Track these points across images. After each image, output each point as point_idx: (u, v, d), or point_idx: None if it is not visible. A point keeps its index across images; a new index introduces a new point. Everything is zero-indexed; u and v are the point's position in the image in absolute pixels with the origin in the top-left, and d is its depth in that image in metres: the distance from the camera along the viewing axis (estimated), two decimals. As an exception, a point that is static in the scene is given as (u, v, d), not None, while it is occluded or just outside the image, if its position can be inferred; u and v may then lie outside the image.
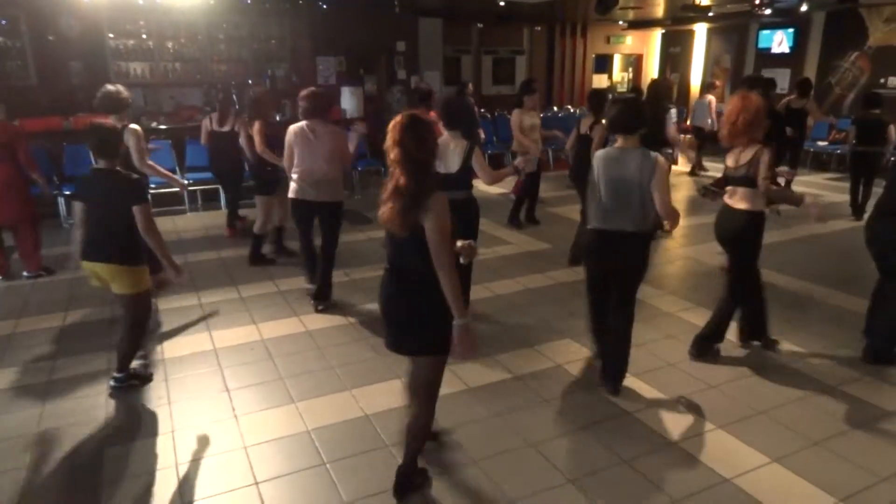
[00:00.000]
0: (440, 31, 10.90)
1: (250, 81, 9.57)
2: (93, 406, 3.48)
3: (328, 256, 4.81)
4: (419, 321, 2.48)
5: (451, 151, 4.02)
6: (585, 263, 3.68)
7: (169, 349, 4.17)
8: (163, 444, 3.13)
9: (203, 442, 3.15)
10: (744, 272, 3.88)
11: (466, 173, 4.04)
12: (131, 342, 3.61)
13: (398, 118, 2.36)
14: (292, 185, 4.66)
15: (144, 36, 9.31)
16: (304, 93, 4.62)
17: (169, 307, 4.85)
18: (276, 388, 3.66)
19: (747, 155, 3.63)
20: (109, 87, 4.86)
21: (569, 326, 4.45)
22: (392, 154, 2.33)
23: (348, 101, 9.16)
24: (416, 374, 2.60)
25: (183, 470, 2.93)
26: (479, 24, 12.58)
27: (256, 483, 2.82)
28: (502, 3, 9.69)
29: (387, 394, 3.54)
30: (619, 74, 15.50)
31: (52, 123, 7.75)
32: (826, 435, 3.16)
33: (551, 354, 4.07)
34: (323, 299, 4.81)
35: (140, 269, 3.51)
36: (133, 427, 3.28)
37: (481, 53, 13.15)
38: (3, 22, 8.41)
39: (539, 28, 13.21)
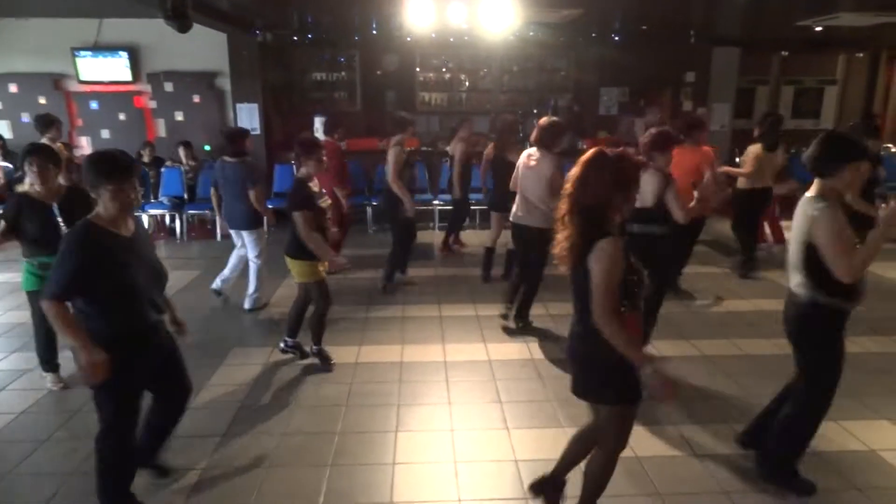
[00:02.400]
0: (736, 60, 10.13)
1: (535, 111, 10.02)
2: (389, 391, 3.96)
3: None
4: (589, 367, 2.38)
5: (644, 183, 3.75)
6: None
7: (449, 353, 4.55)
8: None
9: (478, 446, 3.34)
10: None
11: (660, 208, 3.84)
12: (314, 322, 4.32)
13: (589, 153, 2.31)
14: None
15: (444, 69, 10.41)
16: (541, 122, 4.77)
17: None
18: (543, 410, 3.73)
19: None
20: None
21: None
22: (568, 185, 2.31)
23: (633, 131, 9.09)
24: (593, 424, 2.52)
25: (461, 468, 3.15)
26: (783, 53, 11.39)
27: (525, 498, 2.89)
28: (818, 29, 8.64)
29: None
30: (967, 108, 12.63)
31: (370, 144, 9.08)
32: None
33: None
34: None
35: (306, 262, 4.08)
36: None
37: (781, 83, 11.88)
38: (342, 60, 10.15)
39: (861, 54, 11.47)
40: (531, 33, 8.92)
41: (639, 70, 9.70)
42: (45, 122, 6.52)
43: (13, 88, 9.22)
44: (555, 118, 4.93)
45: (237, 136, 5.34)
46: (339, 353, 4.47)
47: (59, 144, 6.46)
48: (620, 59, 9.79)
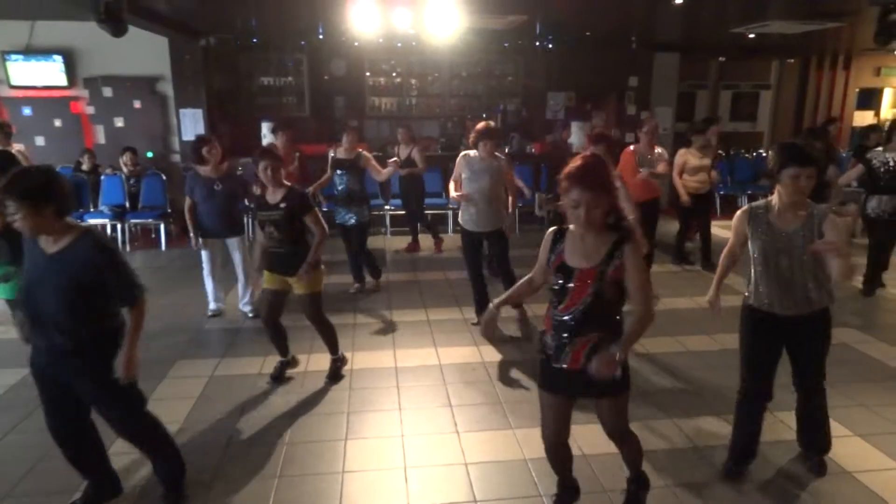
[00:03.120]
0: (677, 65, 10.47)
1: (484, 115, 10.11)
2: (339, 399, 3.92)
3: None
4: None
5: None
6: None
7: (400, 359, 4.55)
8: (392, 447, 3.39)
9: (428, 451, 3.35)
10: None
11: None
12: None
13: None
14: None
15: (394, 74, 10.40)
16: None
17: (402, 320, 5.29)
18: (495, 412, 3.76)
19: None
20: None
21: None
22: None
23: (576, 135, 9.28)
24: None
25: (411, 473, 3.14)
26: (720, 59, 11.85)
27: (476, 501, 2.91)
28: (752, 36, 9.02)
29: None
30: (890, 111, 13.40)
31: (319, 150, 8.98)
32: None
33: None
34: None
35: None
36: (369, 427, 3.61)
37: (720, 88, 12.36)
38: (291, 63, 10.02)
39: (792, 60, 12.02)
40: (478, 38, 9.02)
41: (584, 75, 9.92)
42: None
43: (-64, 94, 8.74)
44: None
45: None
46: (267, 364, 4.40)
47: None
48: (566, 65, 10.00)
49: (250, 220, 7.06)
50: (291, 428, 3.62)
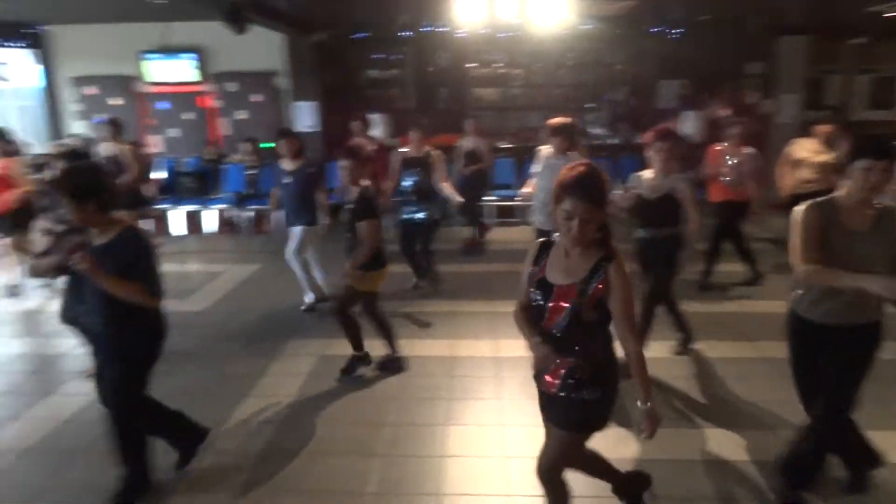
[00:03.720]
0: (804, 49, 9.67)
1: (590, 105, 9.88)
2: (438, 385, 4.00)
3: None
4: None
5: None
6: None
7: (501, 349, 4.56)
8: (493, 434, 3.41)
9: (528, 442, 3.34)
10: None
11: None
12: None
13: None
14: None
15: (498, 64, 10.36)
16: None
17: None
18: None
19: None
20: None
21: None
22: None
23: (690, 125, 8.82)
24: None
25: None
26: (858, 40, 10.80)
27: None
28: (890, 15, 8.15)
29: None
30: None
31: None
32: None
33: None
34: None
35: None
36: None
37: (856, 73, 11.27)
38: (397, 56, 10.25)
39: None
40: (586, 26, 8.79)
41: (699, 62, 9.40)
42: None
43: (91, 90, 9.75)
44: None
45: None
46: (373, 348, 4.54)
47: (127, 145, 6.82)
48: (680, 51, 9.52)
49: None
50: (393, 410, 3.73)
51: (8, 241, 5.93)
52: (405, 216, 5.82)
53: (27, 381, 4.30)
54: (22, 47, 9.50)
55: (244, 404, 3.82)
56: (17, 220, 5.47)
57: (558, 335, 2.17)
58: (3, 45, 9.35)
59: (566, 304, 2.14)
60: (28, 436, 3.55)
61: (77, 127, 9.76)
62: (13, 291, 5.98)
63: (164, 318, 2.90)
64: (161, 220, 8.64)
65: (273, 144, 9.60)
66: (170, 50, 9.38)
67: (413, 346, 4.59)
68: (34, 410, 3.85)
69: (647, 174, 4.00)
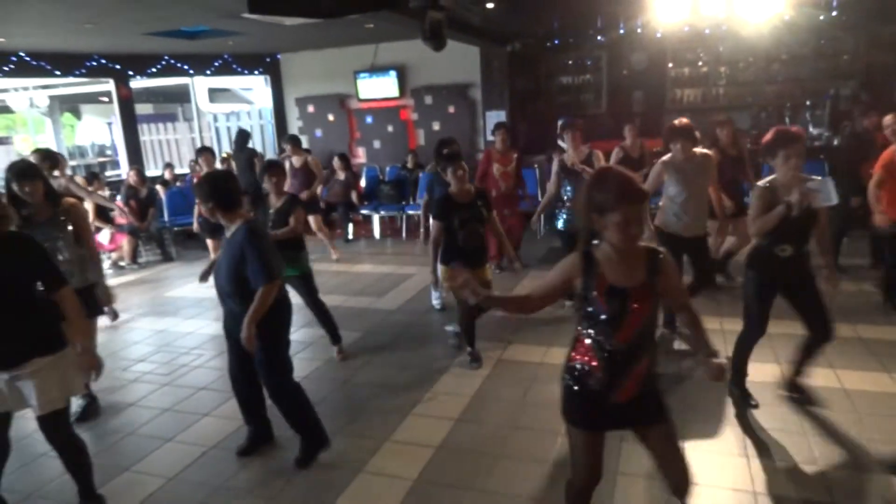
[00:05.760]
0: None
1: (808, 103, 8.82)
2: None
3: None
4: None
5: None
6: None
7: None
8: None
9: (710, 471, 3.12)
10: None
11: None
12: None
13: None
14: None
15: (700, 63, 9.70)
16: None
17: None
18: (792, 441, 3.30)
19: None
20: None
21: None
22: None
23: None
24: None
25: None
26: None
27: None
28: None
29: None
30: None
31: (609, 147, 8.90)
32: None
33: None
34: None
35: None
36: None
37: None
38: (588, 62, 10.12)
39: None
40: (804, 14, 7.85)
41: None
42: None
43: (310, 108, 11.08)
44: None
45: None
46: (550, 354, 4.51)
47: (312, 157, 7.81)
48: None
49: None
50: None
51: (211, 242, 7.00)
52: (561, 226, 5.48)
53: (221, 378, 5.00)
54: (260, 74, 11.12)
55: (424, 400, 4.07)
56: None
57: (638, 338, 2.16)
58: (247, 73, 11.04)
59: (647, 304, 2.14)
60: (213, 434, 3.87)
61: (301, 142, 11.15)
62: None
63: (284, 300, 3.31)
64: (366, 223, 9.54)
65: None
66: (377, 69, 10.29)
67: (546, 354, 4.51)
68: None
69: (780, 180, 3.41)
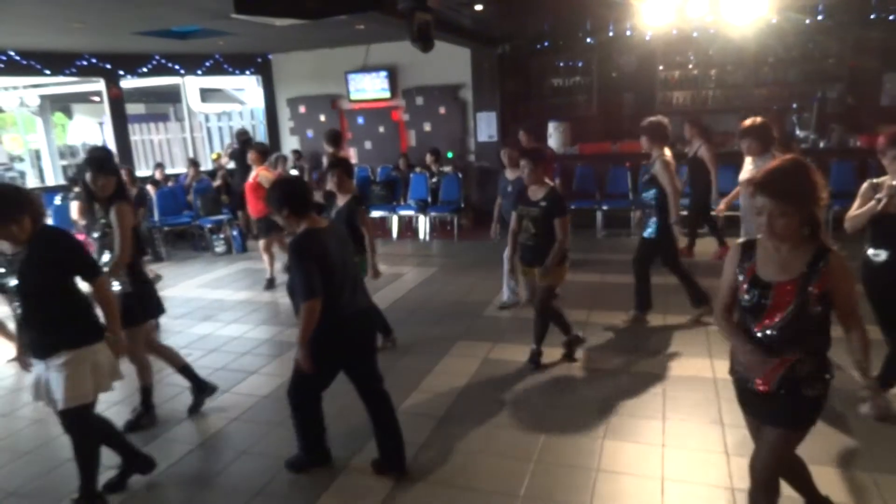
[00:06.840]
0: None
1: (794, 105, 8.91)
2: (599, 398, 3.93)
3: None
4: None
5: None
6: None
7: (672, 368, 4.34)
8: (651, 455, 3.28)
9: (690, 468, 3.16)
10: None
11: None
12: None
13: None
14: None
15: (690, 66, 9.77)
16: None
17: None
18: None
19: None
20: (657, 118, 5.12)
21: None
22: None
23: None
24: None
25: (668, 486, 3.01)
26: None
27: (739, 531, 2.66)
28: None
29: None
30: None
31: (603, 148, 8.98)
32: None
33: None
34: None
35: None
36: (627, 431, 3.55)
37: None
38: (580, 63, 10.17)
39: None
40: (791, 16, 7.94)
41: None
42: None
43: (302, 109, 11.10)
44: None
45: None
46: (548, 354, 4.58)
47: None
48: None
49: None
50: (549, 417, 3.75)
51: (262, 242, 6.98)
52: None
53: (236, 360, 5.05)
54: (251, 74, 11.12)
55: (411, 398, 4.10)
56: (270, 225, 6.36)
57: (775, 333, 2.16)
58: (238, 74, 11.03)
59: (790, 300, 2.12)
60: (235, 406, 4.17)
61: (292, 142, 11.19)
62: (268, 285, 7.01)
63: (336, 319, 2.98)
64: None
65: (451, 155, 10.29)
66: (367, 69, 10.32)
67: (587, 358, 4.57)
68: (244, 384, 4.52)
69: (888, 180, 3.24)
